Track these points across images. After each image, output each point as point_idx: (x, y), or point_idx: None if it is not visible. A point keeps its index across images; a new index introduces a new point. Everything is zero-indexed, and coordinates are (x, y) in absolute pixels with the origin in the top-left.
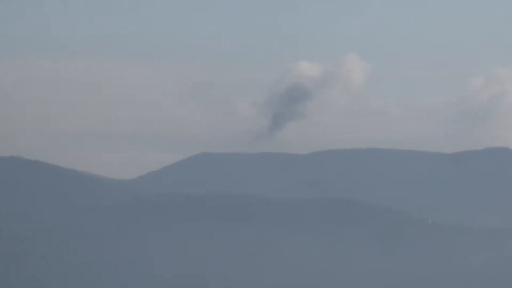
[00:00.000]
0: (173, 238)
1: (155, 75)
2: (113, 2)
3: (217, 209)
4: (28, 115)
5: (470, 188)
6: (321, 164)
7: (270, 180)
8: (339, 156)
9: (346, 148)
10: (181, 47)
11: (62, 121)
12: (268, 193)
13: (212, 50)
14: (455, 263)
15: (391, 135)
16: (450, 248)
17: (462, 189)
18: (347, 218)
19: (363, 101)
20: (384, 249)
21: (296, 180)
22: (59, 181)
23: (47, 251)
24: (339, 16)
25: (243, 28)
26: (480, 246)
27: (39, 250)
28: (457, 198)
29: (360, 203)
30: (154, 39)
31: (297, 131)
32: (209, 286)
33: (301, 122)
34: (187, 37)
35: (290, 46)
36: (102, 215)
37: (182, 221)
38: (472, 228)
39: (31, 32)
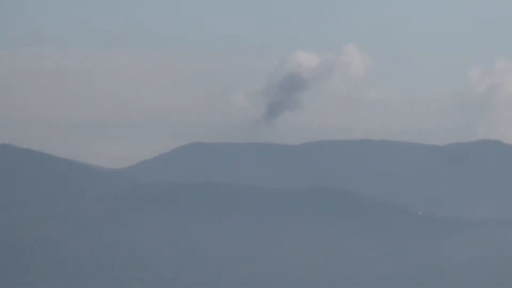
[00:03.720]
0: (168, 226)
1: (151, 65)
2: None
3: (208, 198)
4: (21, 104)
5: (462, 180)
6: (313, 155)
7: (261, 170)
8: (333, 147)
9: (341, 139)
10: (177, 37)
11: (55, 110)
12: (259, 182)
13: (208, 40)
14: (448, 254)
15: (387, 126)
16: (443, 239)
17: (454, 181)
18: (340, 208)
19: (361, 92)
20: (377, 240)
21: (288, 170)
22: (51, 170)
23: (44, 240)
24: (338, 6)
25: (240, 18)
26: (474, 237)
27: (35, 240)
28: (449, 189)
29: (353, 194)
30: (151, 29)
31: (292, 121)
32: (204, 273)
33: (297, 112)
34: (183, 27)
35: (288, 36)
36: (96, 204)
37: (175, 210)
38: (465, 219)
39: (26, 22)
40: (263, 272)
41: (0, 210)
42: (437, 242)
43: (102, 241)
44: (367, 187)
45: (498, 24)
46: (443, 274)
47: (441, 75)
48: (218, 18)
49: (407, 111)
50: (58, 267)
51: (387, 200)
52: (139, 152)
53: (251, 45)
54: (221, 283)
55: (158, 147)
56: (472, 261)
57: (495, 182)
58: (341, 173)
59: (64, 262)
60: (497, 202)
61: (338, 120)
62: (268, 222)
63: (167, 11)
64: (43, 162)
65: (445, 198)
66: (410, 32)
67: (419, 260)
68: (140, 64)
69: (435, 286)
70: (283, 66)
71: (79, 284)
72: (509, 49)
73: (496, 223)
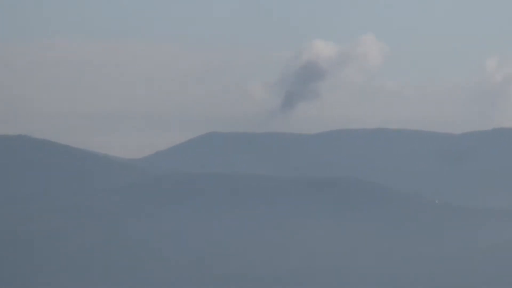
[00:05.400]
0: (186, 217)
1: (168, 57)
2: None
3: (225, 189)
4: (38, 95)
5: (477, 170)
6: (329, 144)
7: (278, 160)
8: (347, 136)
9: (355, 128)
10: (194, 28)
11: (71, 102)
12: (276, 172)
13: (226, 29)
14: (462, 243)
15: (403, 116)
16: (458, 228)
17: (469, 170)
18: (354, 198)
19: (378, 82)
20: (393, 229)
21: (305, 160)
22: (68, 161)
23: (61, 231)
24: None
25: (257, 7)
26: (488, 226)
27: (52, 230)
28: (464, 179)
29: (368, 184)
30: (169, 21)
31: (309, 111)
32: (225, 263)
33: (314, 102)
34: (200, 18)
35: (306, 25)
36: (113, 195)
37: (192, 201)
38: (479, 208)
39: (42, 14)
40: (283, 262)
41: (18, 201)
42: (453, 230)
43: (118, 233)
44: (382, 177)
45: None
46: (458, 262)
47: (458, 64)
48: (236, 8)
49: (423, 101)
50: (74, 257)
51: (402, 189)
52: (156, 142)
53: (268, 35)
54: (243, 272)
55: (174, 137)
56: (487, 250)
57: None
58: (357, 163)
59: (80, 253)
60: None
61: (354, 110)
62: (286, 212)
63: (182, 2)
64: (60, 153)
65: (460, 187)
66: (427, 21)
67: (435, 248)
68: (156, 55)
69: (456, 272)
70: (301, 55)
71: (96, 273)
72: None
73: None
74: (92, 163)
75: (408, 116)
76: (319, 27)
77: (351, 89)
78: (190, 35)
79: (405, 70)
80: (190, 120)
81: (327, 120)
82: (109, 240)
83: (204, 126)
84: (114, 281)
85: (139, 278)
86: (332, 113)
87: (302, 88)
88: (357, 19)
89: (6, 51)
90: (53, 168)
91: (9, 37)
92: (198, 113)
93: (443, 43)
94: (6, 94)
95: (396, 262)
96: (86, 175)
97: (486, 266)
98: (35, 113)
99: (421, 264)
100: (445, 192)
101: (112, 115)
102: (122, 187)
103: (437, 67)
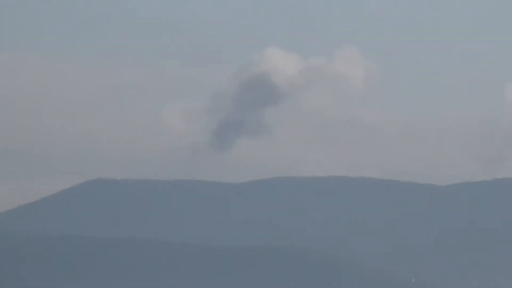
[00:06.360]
0: None
1: (55, 74)
2: None
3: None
4: None
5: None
6: (260, 198)
7: (183, 218)
8: (287, 187)
9: (301, 176)
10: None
11: None
12: (178, 238)
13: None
14: None
15: (377, 160)
16: None
17: (455, 238)
18: (300, 274)
19: (354, 113)
20: None
21: (227, 221)
22: None
23: None
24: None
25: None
26: None
27: None
28: (451, 250)
29: (318, 254)
30: (64, 31)
31: (251, 150)
32: None
33: (259, 138)
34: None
35: (256, 28)
36: None
37: (59, 270)
38: None
39: None
40: None
41: None
42: None
43: None
44: (333, 245)
45: None
46: None
47: (466, 93)
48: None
49: (408, 140)
50: None
51: (363, 262)
52: (20, 193)
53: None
54: None
55: (47, 185)
56: None
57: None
58: (297, 225)
59: None
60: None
61: (313, 151)
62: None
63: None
64: None
65: (443, 264)
66: (430, 35)
67: None
68: (46, 73)
69: None
70: (244, 71)
71: None
72: None
73: None
74: None
75: (384, 160)
76: (276, 31)
77: (314, 121)
78: (77, 45)
79: (393, 98)
80: (77, 163)
81: (271, 163)
82: None
83: (89, 170)
84: None
85: None
86: (281, 155)
87: (243, 117)
88: (336, 25)
89: None
90: None
91: None
92: (83, 150)
93: (448, 64)
94: None
95: None
96: None
97: None
98: None
99: None
100: (423, 269)
101: None
102: None
103: (437, 96)
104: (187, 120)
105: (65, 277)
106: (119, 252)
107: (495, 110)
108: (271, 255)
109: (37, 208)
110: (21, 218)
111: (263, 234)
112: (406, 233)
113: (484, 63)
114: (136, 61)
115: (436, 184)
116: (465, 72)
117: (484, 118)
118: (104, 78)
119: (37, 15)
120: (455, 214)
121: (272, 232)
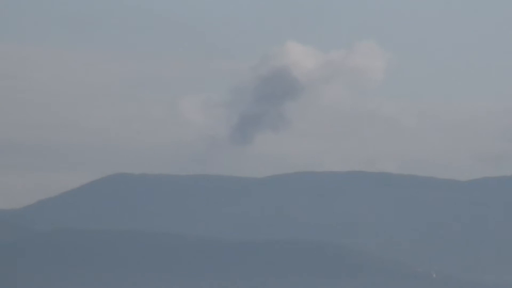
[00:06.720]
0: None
1: (73, 68)
2: None
3: (126, 252)
4: None
5: (485, 233)
6: (281, 193)
7: (200, 213)
8: (308, 183)
9: (321, 171)
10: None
11: None
12: (208, 233)
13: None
14: None
15: (394, 154)
16: None
17: (475, 233)
18: (318, 267)
19: (372, 105)
20: None
21: (251, 216)
22: None
23: None
24: None
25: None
26: None
27: None
28: (470, 244)
29: (337, 248)
30: (76, 22)
31: (270, 144)
32: None
33: (279, 131)
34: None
35: (276, 22)
36: None
37: (78, 265)
38: (485, 283)
39: None
40: None
41: None
42: None
43: None
44: (358, 240)
45: None
46: None
47: (484, 84)
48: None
49: (426, 132)
50: None
51: (386, 257)
52: (41, 187)
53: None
54: None
55: (66, 180)
56: None
57: None
58: (319, 220)
59: None
60: None
61: (332, 145)
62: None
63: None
64: None
65: (464, 257)
66: (446, 28)
67: None
68: (62, 67)
69: None
70: (264, 64)
71: None
72: None
73: None
74: None
75: (402, 154)
76: (295, 25)
77: (333, 114)
78: (97, 38)
79: (412, 90)
80: (88, 157)
81: (291, 158)
82: None
83: (107, 165)
84: None
85: None
86: (300, 149)
87: (263, 111)
88: (354, 19)
89: None
90: None
91: None
92: (101, 145)
93: (467, 55)
94: None
95: None
96: None
97: None
98: None
99: None
100: (444, 262)
101: None
102: None
103: (455, 87)
104: (207, 113)
105: (85, 269)
106: (138, 246)
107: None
108: (289, 248)
109: (57, 202)
110: (41, 212)
111: (281, 228)
112: (425, 227)
113: (507, 52)
114: (155, 54)
115: (456, 179)
116: (487, 62)
117: (501, 107)
118: (124, 72)
119: (56, 7)
120: (477, 209)
121: (291, 226)
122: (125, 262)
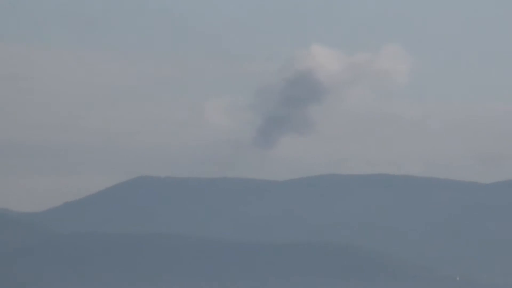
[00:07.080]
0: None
1: (92, 68)
2: None
3: (146, 253)
4: None
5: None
6: (298, 196)
7: (216, 216)
8: (331, 185)
9: (347, 173)
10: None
11: None
12: (229, 235)
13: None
14: None
15: (420, 156)
16: None
17: (500, 236)
18: (346, 269)
19: (396, 109)
20: None
21: (272, 217)
22: None
23: None
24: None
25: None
26: None
27: None
28: (494, 247)
29: (363, 251)
30: (97, 25)
31: (294, 147)
32: None
33: (303, 134)
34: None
35: (301, 25)
36: (7, 259)
37: (105, 269)
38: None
39: None
40: None
41: None
42: None
43: None
44: (383, 243)
45: None
46: None
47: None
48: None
49: (451, 135)
50: None
51: (411, 260)
52: (64, 190)
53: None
54: None
55: (91, 183)
56: None
57: None
58: (343, 223)
59: None
60: None
61: (357, 148)
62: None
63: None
64: None
65: (485, 260)
66: (472, 32)
67: None
68: (81, 68)
69: None
70: (289, 67)
71: None
72: None
73: None
74: None
75: (427, 157)
76: (320, 28)
77: (357, 118)
78: (120, 40)
79: (436, 94)
80: (117, 160)
81: (315, 160)
82: None
83: (132, 168)
84: None
85: None
86: (324, 152)
87: (287, 114)
88: (379, 22)
89: None
90: None
91: None
92: (125, 148)
93: (493, 58)
94: None
95: None
96: None
97: None
98: None
99: None
100: (467, 265)
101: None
102: (17, 249)
103: (481, 91)
104: (231, 116)
105: (109, 271)
106: (162, 248)
107: None
108: (311, 251)
109: (82, 205)
110: (66, 215)
111: (294, 229)
112: (449, 232)
113: None
114: (179, 56)
115: (479, 182)
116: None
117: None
118: (147, 74)
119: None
120: (501, 213)
121: (303, 227)
122: (146, 264)
